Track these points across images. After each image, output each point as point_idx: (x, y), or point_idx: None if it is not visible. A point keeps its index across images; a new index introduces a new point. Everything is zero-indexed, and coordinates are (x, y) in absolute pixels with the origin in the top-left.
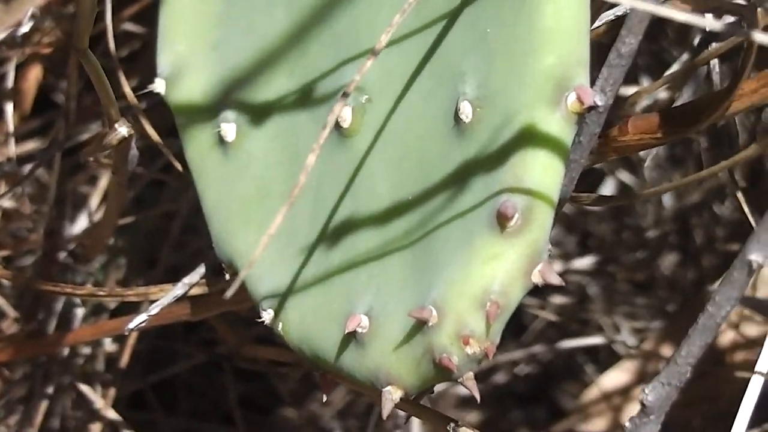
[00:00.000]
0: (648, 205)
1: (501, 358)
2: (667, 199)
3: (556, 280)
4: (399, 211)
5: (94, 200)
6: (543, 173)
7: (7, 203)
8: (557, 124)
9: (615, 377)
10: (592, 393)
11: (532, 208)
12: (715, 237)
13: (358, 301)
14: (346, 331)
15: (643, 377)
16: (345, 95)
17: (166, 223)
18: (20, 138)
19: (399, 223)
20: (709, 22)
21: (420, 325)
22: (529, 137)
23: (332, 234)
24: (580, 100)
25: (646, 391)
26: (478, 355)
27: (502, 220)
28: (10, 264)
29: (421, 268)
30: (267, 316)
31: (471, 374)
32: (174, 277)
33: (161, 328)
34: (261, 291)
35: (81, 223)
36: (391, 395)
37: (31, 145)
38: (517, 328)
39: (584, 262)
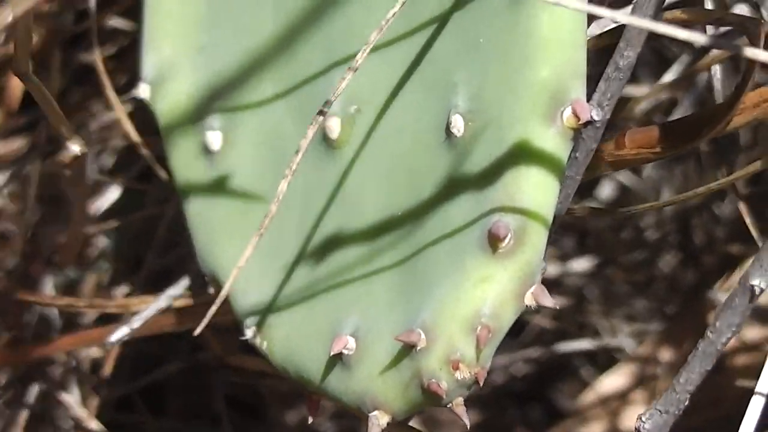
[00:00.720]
0: None
1: (498, 360)
2: (667, 199)
3: (549, 303)
4: (388, 227)
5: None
6: (537, 192)
7: None
8: (552, 140)
9: (613, 381)
10: (589, 396)
11: (526, 228)
12: (715, 237)
13: (344, 321)
14: (332, 353)
15: (641, 381)
16: (321, 113)
17: (152, 225)
18: (7, 135)
19: (387, 240)
20: (711, 40)
21: (408, 349)
22: (522, 153)
23: (319, 248)
24: (576, 114)
25: (644, 418)
26: (467, 381)
27: (493, 240)
28: None
29: (410, 288)
30: (250, 333)
31: (461, 400)
32: (160, 281)
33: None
34: (244, 306)
35: (63, 226)
36: (378, 420)
37: (17, 144)
38: (514, 328)
39: (582, 264)
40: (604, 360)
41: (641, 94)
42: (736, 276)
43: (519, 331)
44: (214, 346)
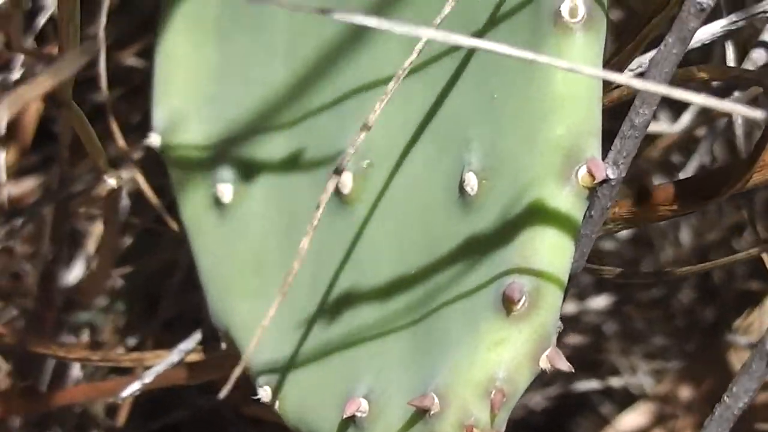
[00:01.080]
0: (666, 242)
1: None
2: (685, 236)
3: (565, 367)
4: (401, 286)
5: (91, 244)
6: (552, 254)
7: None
8: (567, 200)
9: (632, 419)
10: None
11: (540, 290)
12: (734, 274)
13: (357, 383)
14: (345, 416)
15: (660, 419)
16: (338, 171)
17: (168, 267)
18: (20, 173)
19: (401, 299)
20: (739, 108)
21: (421, 413)
22: (537, 214)
23: (332, 307)
24: (591, 174)
25: None
26: None
27: (508, 303)
28: (4, 310)
29: (423, 349)
30: (263, 393)
31: None
32: (176, 324)
33: None
34: (257, 365)
35: (78, 267)
36: None
37: (30, 183)
38: None
39: (600, 301)
40: (623, 397)
41: (660, 130)
42: (756, 314)
43: None
44: (229, 397)
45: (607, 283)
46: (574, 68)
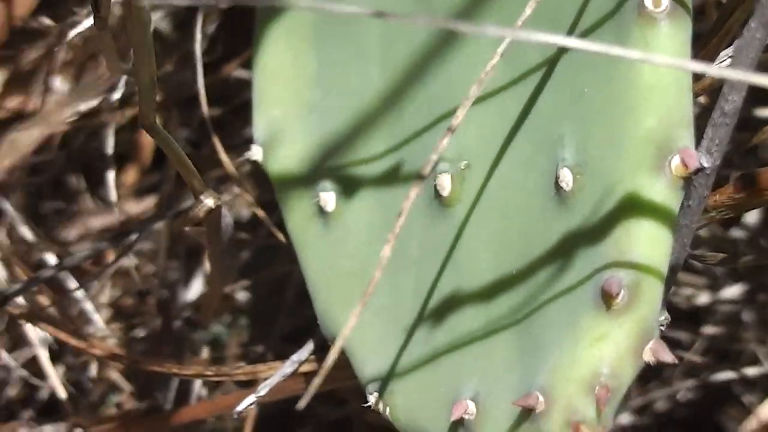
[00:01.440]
0: None
1: (659, 391)
2: None
3: (669, 359)
4: (502, 287)
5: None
6: (649, 246)
7: (127, 262)
8: (661, 192)
9: None
10: (751, 424)
11: (639, 283)
12: None
13: (463, 386)
14: (453, 419)
15: None
16: (420, 177)
17: (286, 279)
18: (141, 192)
19: (502, 300)
20: None
21: (527, 413)
22: (632, 207)
23: (435, 311)
24: (684, 164)
25: None
26: None
27: (607, 297)
28: (128, 332)
29: (527, 349)
30: (373, 399)
31: None
32: (298, 334)
33: None
34: (366, 372)
35: (197, 285)
36: None
37: (150, 201)
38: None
39: (734, 291)
40: (766, 386)
41: None
42: None
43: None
44: (352, 403)
45: (739, 271)
46: (648, 59)
